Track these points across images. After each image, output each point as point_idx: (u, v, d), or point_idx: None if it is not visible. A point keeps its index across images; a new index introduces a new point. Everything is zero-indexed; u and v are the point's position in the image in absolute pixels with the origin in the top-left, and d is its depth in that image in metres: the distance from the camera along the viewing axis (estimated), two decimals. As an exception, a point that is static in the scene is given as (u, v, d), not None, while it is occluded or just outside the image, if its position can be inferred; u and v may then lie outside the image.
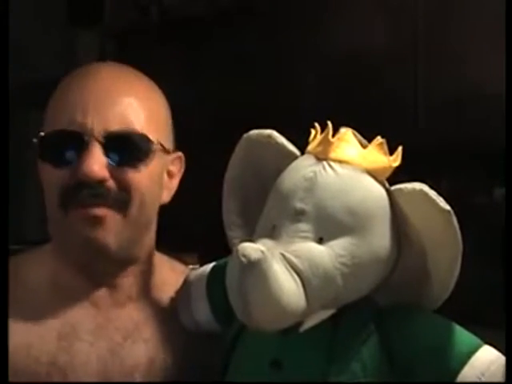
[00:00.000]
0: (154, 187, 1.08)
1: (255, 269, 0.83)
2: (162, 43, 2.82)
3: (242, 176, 1.03)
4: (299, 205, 0.89)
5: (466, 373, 0.86)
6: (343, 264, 0.87)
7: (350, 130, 0.94)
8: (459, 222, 0.87)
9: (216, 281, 1.07)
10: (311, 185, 0.89)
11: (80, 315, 1.08)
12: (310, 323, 0.89)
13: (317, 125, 0.95)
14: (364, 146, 0.93)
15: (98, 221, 1.03)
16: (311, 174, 0.90)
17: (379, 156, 0.92)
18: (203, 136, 2.40)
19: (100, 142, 1.02)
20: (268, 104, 2.46)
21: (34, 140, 1.06)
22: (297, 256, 0.86)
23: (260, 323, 0.87)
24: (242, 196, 1.04)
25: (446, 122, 2.19)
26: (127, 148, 1.04)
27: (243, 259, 0.84)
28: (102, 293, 1.09)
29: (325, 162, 0.90)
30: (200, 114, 2.58)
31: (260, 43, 2.55)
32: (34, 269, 1.11)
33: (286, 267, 0.85)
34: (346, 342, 0.89)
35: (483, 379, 0.86)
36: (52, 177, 1.05)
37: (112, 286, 1.09)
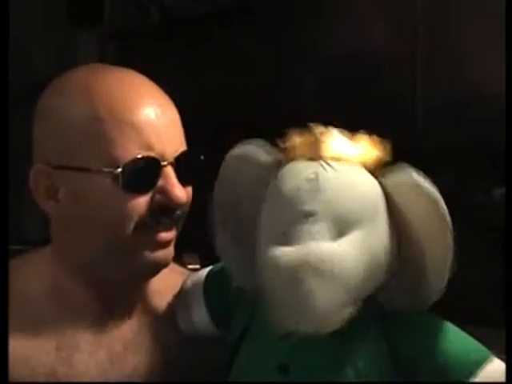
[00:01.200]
0: None
1: (296, 273, 0.84)
2: (162, 43, 2.82)
3: (226, 197, 1.02)
4: (308, 207, 0.89)
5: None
6: (361, 257, 0.88)
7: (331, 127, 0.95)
8: (458, 222, 0.87)
9: (213, 285, 1.07)
10: (315, 186, 0.89)
11: (79, 325, 1.06)
12: (335, 324, 0.88)
13: (289, 130, 0.96)
14: (351, 140, 0.94)
15: (168, 243, 1.05)
16: (312, 175, 0.90)
17: (370, 149, 0.93)
18: (203, 136, 2.40)
19: (173, 165, 1.02)
20: (268, 104, 2.47)
21: (117, 171, 0.99)
22: (319, 257, 0.86)
23: (301, 327, 0.86)
24: (228, 215, 1.03)
25: (445, 121, 2.19)
26: (190, 167, 1.05)
27: (285, 265, 0.84)
28: (102, 301, 1.08)
29: (322, 162, 0.91)
30: (200, 114, 2.58)
31: (260, 43, 2.55)
32: (32, 274, 1.09)
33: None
34: (353, 345, 0.89)
35: None
36: (130, 204, 1.01)
37: (113, 294, 1.08)
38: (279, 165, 0.96)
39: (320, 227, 0.88)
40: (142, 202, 1.01)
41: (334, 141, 0.92)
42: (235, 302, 1.02)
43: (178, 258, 1.24)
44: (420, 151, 1.89)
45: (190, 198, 1.07)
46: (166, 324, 1.10)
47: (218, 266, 1.08)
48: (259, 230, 0.95)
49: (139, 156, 1.00)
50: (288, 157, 0.95)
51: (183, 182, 1.04)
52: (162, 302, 1.12)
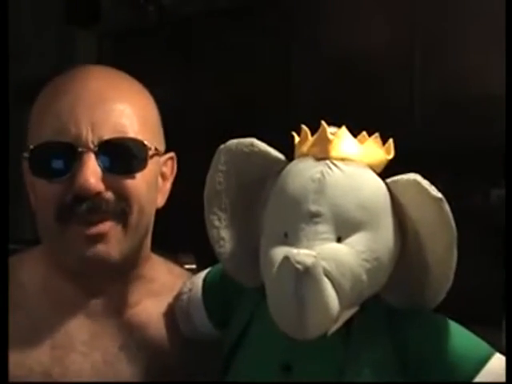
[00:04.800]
0: (150, 193, 1.05)
1: (311, 275, 0.82)
2: (159, 42, 2.82)
3: (226, 189, 0.99)
4: (314, 207, 0.87)
5: (480, 379, 0.86)
6: (365, 260, 0.87)
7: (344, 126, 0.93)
8: (456, 223, 0.87)
9: (212, 288, 1.06)
10: (321, 186, 0.88)
11: (74, 324, 1.06)
12: (336, 325, 0.88)
13: (304, 126, 0.95)
14: (360, 141, 0.93)
15: (100, 237, 1.00)
16: (318, 175, 0.89)
17: (377, 150, 0.92)
18: (200, 136, 2.40)
19: (94, 152, 0.98)
20: (266, 104, 2.47)
21: (25, 154, 1.01)
22: (323, 258, 0.85)
23: (311, 332, 0.85)
24: (227, 210, 1.00)
25: (443, 122, 2.19)
26: (123, 156, 1.01)
27: (299, 266, 0.82)
28: (97, 301, 1.07)
29: (328, 162, 0.90)
30: (197, 114, 2.58)
31: (259, 43, 2.55)
32: (26, 274, 1.09)
33: None
34: (358, 345, 0.88)
35: None
36: (46, 191, 1.00)
37: (108, 294, 1.07)
38: (285, 163, 0.95)
39: (325, 228, 0.87)
40: (56, 188, 0.99)
41: (343, 141, 0.91)
42: (234, 302, 1.01)
43: (174, 259, 1.24)
44: (418, 152, 1.89)
45: (130, 190, 1.01)
46: (163, 326, 1.09)
47: (216, 267, 1.07)
48: (263, 227, 0.94)
49: (46, 141, 0.99)
50: (296, 154, 0.94)
51: (110, 169, 1.00)
52: (159, 304, 1.11)
